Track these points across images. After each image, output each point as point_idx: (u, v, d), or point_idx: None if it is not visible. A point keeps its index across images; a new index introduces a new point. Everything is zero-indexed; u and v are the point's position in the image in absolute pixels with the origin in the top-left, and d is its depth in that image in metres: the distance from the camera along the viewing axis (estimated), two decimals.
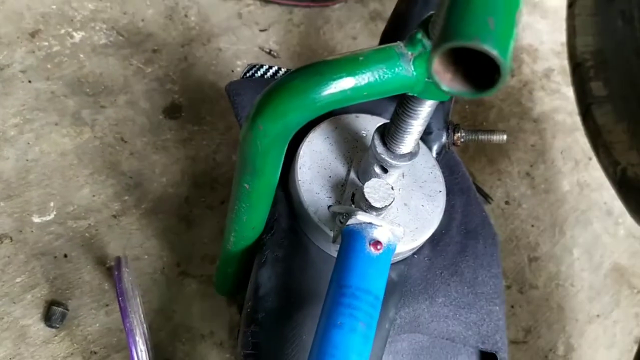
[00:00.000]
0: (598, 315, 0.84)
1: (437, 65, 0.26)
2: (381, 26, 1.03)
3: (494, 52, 0.24)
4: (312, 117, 0.40)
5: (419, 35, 0.40)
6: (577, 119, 1.02)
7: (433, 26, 0.39)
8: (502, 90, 1.01)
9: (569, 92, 1.04)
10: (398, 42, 0.40)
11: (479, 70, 0.28)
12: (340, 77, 0.38)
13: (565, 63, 1.07)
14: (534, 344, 0.80)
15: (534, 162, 0.95)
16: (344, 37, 1.00)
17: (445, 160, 0.66)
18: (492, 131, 0.64)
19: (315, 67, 0.39)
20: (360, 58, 0.39)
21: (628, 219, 0.93)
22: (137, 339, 0.51)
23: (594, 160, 0.99)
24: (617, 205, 0.94)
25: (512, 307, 0.82)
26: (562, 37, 1.03)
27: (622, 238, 0.91)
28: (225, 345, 0.72)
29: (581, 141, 0.99)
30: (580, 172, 0.96)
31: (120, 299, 0.52)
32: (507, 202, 0.91)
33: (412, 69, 0.40)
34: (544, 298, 0.84)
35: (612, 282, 0.87)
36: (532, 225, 0.89)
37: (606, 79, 0.77)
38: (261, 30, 0.97)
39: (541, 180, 0.94)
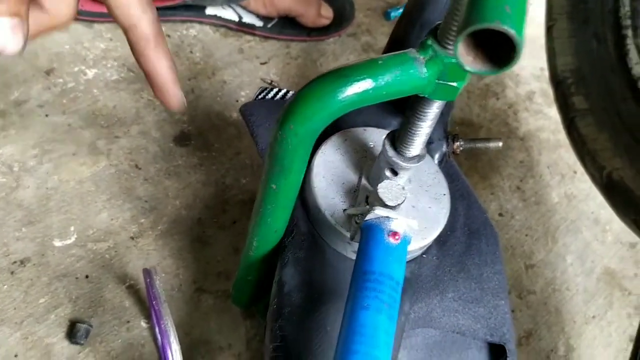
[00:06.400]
0: (594, 317, 0.89)
1: (462, 48, 0.32)
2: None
3: (512, 31, 0.30)
4: (337, 115, 0.45)
5: (429, 42, 0.45)
6: (560, 137, 1.09)
7: (442, 32, 0.45)
8: (489, 111, 1.08)
9: (551, 112, 1.11)
10: (410, 48, 0.46)
11: (495, 52, 0.33)
12: (363, 79, 0.44)
13: (545, 86, 1.14)
14: (536, 345, 0.84)
15: (523, 177, 1.01)
16: None
17: (446, 170, 0.71)
18: (488, 139, 0.69)
19: (340, 70, 0.44)
20: (380, 62, 0.44)
21: (615, 226, 0.99)
22: (172, 339, 0.54)
23: (579, 173, 1.06)
24: (604, 214, 1.00)
25: (513, 311, 0.86)
26: (540, 62, 1.10)
27: (610, 244, 0.97)
28: (243, 357, 0.75)
29: (565, 156, 1.06)
30: (567, 185, 1.02)
31: (154, 302, 0.55)
32: (500, 214, 0.96)
33: (425, 71, 0.45)
34: (542, 302, 0.88)
35: (604, 285, 0.92)
36: (526, 235, 0.94)
37: (586, 94, 0.84)
38: (262, 64, 1.03)
39: (531, 194, 0.99)
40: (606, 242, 0.97)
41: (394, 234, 0.51)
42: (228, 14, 1.04)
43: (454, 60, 0.45)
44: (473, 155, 1.00)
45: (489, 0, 0.30)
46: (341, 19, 1.10)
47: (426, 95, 0.48)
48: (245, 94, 0.98)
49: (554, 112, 1.05)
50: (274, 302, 0.57)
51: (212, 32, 1.04)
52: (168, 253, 0.80)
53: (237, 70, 1.00)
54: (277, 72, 1.03)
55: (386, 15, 1.18)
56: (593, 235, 0.97)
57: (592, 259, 0.94)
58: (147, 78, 0.46)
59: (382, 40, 1.12)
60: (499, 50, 0.32)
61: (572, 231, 0.96)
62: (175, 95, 0.47)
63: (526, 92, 1.14)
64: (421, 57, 0.45)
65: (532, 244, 0.93)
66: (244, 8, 1.03)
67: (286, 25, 1.06)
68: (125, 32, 0.44)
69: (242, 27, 1.05)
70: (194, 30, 1.04)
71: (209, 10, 1.03)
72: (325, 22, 1.07)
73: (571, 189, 1.02)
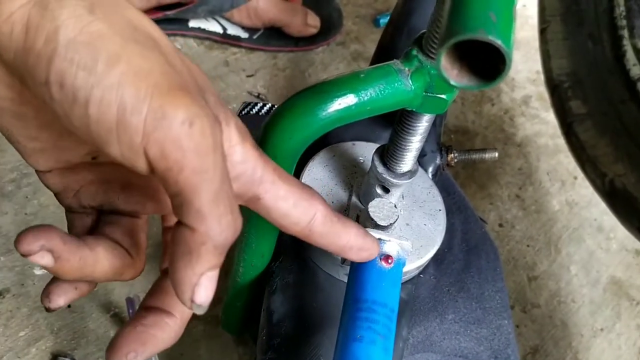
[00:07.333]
0: (602, 329, 0.85)
1: (445, 62, 0.28)
2: (363, 65, 1.07)
3: (498, 41, 0.26)
4: (318, 134, 0.42)
5: (414, 52, 0.42)
6: (559, 142, 1.06)
7: (426, 41, 0.42)
8: (485, 118, 1.05)
9: (548, 116, 1.08)
10: (395, 59, 0.43)
11: (483, 65, 0.30)
12: (344, 94, 0.41)
13: (541, 89, 1.11)
14: None
15: (522, 185, 0.98)
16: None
17: (440, 182, 0.68)
18: (483, 150, 0.66)
19: (320, 86, 0.41)
20: (362, 75, 0.41)
21: (619, 233, 0.95)
22: None
23: (580, 179, 1.02)
24: (607, 220, 0.96)
25: (518, 326, 0.83)
26: (536, 65, 1.07)
27: (615, 252, 0.93)
28: None
29: (565, 162, 1.02)
30: (567, 192, 0.99)
31: None
32: (500, 225, 0.93)
33: (410, 83, 0.42)
34: (547, 316, 0.84)
35: (611, 295, 0.88)
36: (528, 246, 0.91)
37: (584, 97, 0.81)
38: (248, 76, 1.00)
39: (531, 202, 0.96)
40: (611, 250, 0.93)
41: (387, 257, 0.48)
42: (212, 26, 1.01)
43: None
44: (470, 165, 0.97)
45: (471, 8, 0.27)
46: (329, 28, 1.07)
47: (414, 109, 0.44)
48: (232, 109, 0.95)
49: (551, 117, 1.02)
50: (262, 332, 0.53)
51: (197, 45, 1.01)
52: (154, 278, 0.76)
53: (223, 84, 0.97)
54: (264, 84, 0.99)
55: (375, 22, 1.15)
56: (597, 244, 0.93)
57: (597, 269, 0.91)
58: (338, 253, 0.38)
59: (372, 48, 1.09)
60: (487, 62, 0.29)
61: (575, 240, 0.93)
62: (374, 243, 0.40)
63: (522, 97, 1.10)
64: (406, 68, 0.42)
65: (535, 255, 0.90)
66: (228, 20, 1.00)
67: (272, 36, 1.03)
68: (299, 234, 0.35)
69: (227, 39, 1.02)
70: (177, 44, 1.01)
71: (192, 23, 1.00)
72: (313, 31, 1.04)
73: (572, 196, 0.98)
